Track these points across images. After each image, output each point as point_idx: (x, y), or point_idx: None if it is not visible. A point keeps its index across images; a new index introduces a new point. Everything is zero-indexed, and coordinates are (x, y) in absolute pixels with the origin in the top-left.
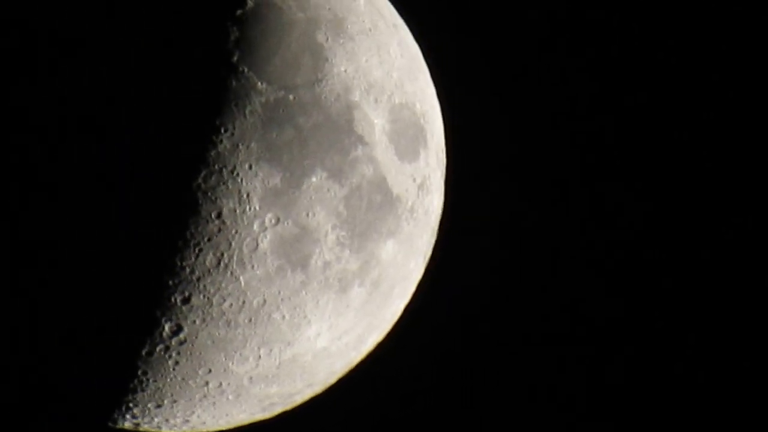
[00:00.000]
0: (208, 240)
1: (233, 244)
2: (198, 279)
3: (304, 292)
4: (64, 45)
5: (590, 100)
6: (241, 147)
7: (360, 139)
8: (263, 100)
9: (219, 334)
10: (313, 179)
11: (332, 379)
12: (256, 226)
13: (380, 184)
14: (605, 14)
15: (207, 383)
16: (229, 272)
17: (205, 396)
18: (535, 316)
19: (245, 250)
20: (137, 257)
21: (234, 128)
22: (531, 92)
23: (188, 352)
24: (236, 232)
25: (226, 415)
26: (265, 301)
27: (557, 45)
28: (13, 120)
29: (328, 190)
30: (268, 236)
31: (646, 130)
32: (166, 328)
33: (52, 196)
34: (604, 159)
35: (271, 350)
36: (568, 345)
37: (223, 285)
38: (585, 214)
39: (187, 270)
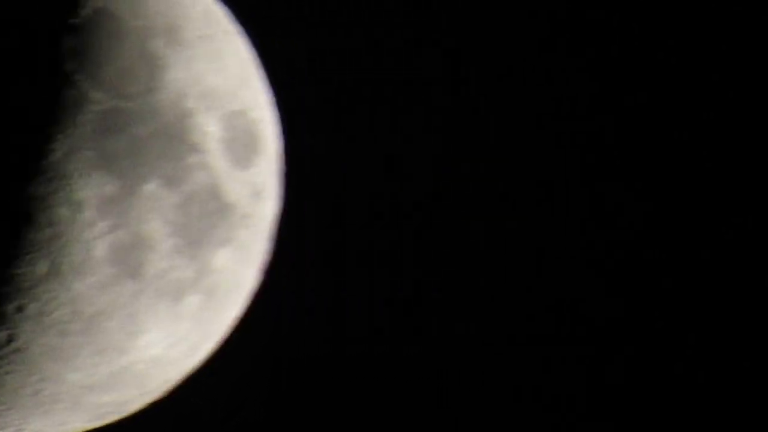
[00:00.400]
0: (42, 248)
1: (67, 252)
2: (31, 288)
3: (138, 301)
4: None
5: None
6: (74, 155)
7: (194, 147)
8: (97, 108)
9: (52, 342)
10: (148, 187)
11: (166, 388)
12: (90, 234)
13: (214, 192)
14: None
15: (40, 392)
16: (62, 281)
17: (38, 404)
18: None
19: (79, 258)
20: None
21: (67, 137)
22: (377, 92)
23: (21, 361)
24: (70, 240)
25: (61, 423)
26: (98, 309)
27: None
28: (13, 120)
29: (163, 198)
30: (102, 244)
31: (645, 130)
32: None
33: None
34: (600, 159)
35: (104, 359)
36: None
37: (57, 294)
38: (585, 213)
39: (20, 278)
